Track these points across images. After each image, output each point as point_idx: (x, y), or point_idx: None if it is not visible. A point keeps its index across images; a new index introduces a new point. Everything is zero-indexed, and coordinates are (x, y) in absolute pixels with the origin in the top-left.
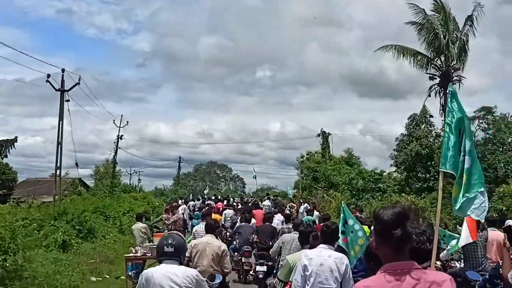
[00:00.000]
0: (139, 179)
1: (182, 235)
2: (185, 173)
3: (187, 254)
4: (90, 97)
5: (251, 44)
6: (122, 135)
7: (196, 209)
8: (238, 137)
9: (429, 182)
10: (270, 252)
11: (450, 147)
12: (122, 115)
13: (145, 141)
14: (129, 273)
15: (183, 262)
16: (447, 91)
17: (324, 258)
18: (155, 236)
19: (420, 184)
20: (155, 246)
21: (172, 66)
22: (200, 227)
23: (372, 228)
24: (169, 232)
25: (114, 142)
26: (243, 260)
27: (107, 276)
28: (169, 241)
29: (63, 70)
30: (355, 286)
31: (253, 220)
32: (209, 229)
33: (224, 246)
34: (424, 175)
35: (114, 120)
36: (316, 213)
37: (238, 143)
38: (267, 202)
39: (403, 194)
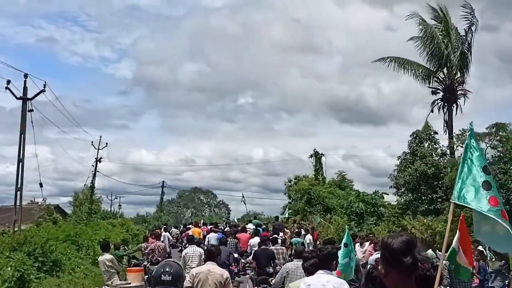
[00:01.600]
0: (120, 205)
1: (178, 263)
2: (168, 200)
3: (188, 284)
4: (69, 119)
5: (232, 71)
6: (101, 158)
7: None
8: (222, 164)
9: (436, 204)
10: (273, 282)
11: (465, 181)
12: (100, 137)
13: (128, 168)
14: None
15: None
16: (467, 128)
17: (323, 284)
18: (128, 271)
19: (426, 206)
20: (128, 284)
21: (154, 93)
22: (191, 250)
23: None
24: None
25: (93, 165)
26: None
27: None
28: (167, 269)
29: (25, 76)
30: None
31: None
32: (210, 256)
33: (226, 274)
34: (430, 196)
35: (92, 142)
36: (308, 236)
37: (222, 169)
38: (250, 225)
39: (418, 216)
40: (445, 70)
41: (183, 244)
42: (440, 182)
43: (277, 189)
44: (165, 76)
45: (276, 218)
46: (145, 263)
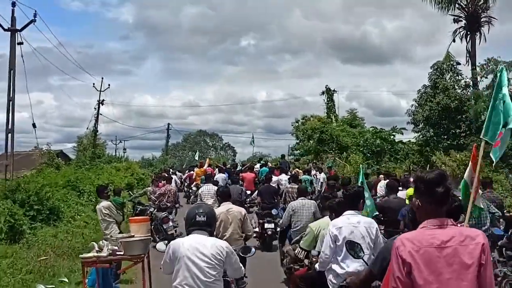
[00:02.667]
0: (124, 149)
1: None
2: (174, 144)
3: None
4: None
5: (234, 13)
6: (103, 100)
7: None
8: (225, 107)
9: (459, 139)
10: (280, 223)
11: (492, 118)
12: (102, 78)
13: (132, 113)
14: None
15: (214, 233)
16: (498, 69)
17: (354, 225)
18: (131, 222)
19: (449, 141)
20: (130, 237)
21: (155, 37)
22: (206, 188)
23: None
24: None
25: (95, 109)
26: (265, 226)
27: (66, 280)
28: (201, 210)
29: (13, 4)
30: (397, 238)
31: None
32: (225, 196)
33: (244, 211)
34: (453, 131)
35: (94, 84)
36: (322, 175)
37: (226, 112)
38: (257, 166)
39: (451, 151)
40: None
41: (188, 187)
42: (463, 116)
43: (282, 131)
44: (166, 20)
45: (282, 156)
46: (151, 209)
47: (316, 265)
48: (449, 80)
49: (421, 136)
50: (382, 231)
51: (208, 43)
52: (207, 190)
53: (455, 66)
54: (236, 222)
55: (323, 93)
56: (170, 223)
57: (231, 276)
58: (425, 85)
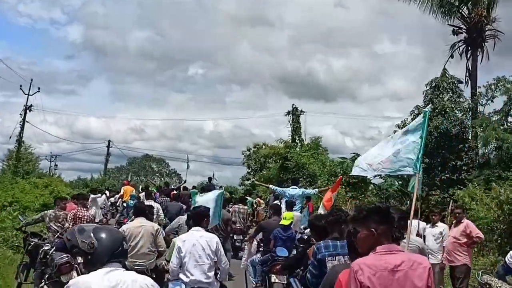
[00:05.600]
0: (56, 165)
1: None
2: (117, 167)
3: None
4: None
5: (183, 40)
6: (31, 106)
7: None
8: (172, 134)
9: (459, 174)
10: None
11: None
12: (32, 79)
13: (75, 135)
14: None
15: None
16: (424, 111)
17: (196, 239)
18: None
19: (448, 175)
20: None
21: (103, 59)
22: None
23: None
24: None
25: (21, 115)
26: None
27: None
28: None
29: None
30: (354, 263)
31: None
32: (139, 212)
33: (157, 226)
34: (454, 163)
35: (21, 86)
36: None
37: (172, 139)
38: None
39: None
40: (469, 5)
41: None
42: (466, 146)
43: (228, 162)
44: (114, 42)
45: (209, 179)
46: (46, 247)
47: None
48: (447, 102)
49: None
50: (260, 248)
51: (156, 68)
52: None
53: (456, 85)
54: (147, 236)
55: (288, 113)
56: (74, 274)
57: None
58: (418, 106)
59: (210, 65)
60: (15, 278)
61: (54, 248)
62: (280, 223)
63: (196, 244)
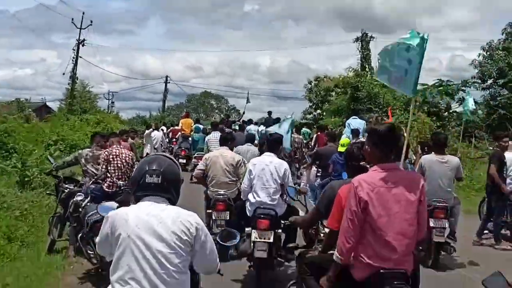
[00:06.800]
0: (113, 102)
1: (172, 158)
2: (177, 104)
3: (201, 166)
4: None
5: None
6: (84, 40)
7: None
8: (229, 71)
9: None
10: None
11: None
12: (83, 13)
13: (133, 74)
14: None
15: (176, 200)
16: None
17: (266, 164)
18: None
19: None
20: None
21: None
22: (214, 135)
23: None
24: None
25: (74, 50)
26: None
27: None
28: (154, 167)
29: None
30: (355, 179)
31: None
32: (223, 141)
33: (238, 157)
34: None
35: (72, 19)
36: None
37: (229, 76)
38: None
39: None
40: None
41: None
42: None
43: (285, 97)
44: None
45: (269, 113)
46: (80, 197)
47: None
48: None
49: (489, 95)
50: (318, 173)
51: (211, 5)
52: (215, 138)
53: None
54: (227, 165)
55: (356, 39)
56: None
57: (200, 271)
58: (505, 29)
59: (265, 1)
60: (47, 234)
61: (89, 198)
62: (338, 150)
63: (265, 169)
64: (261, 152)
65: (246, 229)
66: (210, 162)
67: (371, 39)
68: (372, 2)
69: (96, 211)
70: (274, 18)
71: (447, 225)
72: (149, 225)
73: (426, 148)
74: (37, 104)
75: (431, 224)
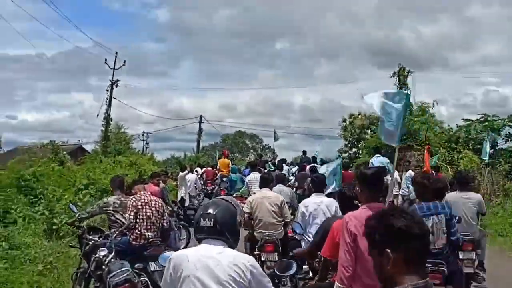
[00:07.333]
0: (147, 143)
1: (234, 202)
2: (211, 144)
3: (247, 209)
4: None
5: (267, 16)
6: (117, 80)
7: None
8: (262, 110)
9: None
10: None
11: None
12: (116, 53)
13: (168, 114)
14: None
15: (233, 243)
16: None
17: (317, 204)
18: None
19: None
20: None
21: (191, 39)
22: (254, 176)
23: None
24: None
25: (107, 91)
26: None
27: None
28: (209, 210)
29: None
30: (346, 215)
31: None
32: (264, 183)
33: (281, 197)
34: None
35: (106, 60)
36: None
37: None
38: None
39: None
40: None
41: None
42: None
43: (319, 136)
44: (202, 22)
45: (304, 152)
46: (104, 252)
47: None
48: None
49: None
50: None
51: (243, 45)
52: (255, 178)
53: None
54: (273, 207)
55: (394, 74)
56: None
57: None
58: None
59: (297, 39)
60: None
61: (113, 252)
62: None
63: (317, 208)
64: (309, 191)
65: (304, 266)
66: (256, 204)
67: (408, 73)
68: (404, 39)
69: (120, 269)
70: (306, 56)
71: (475, 257)
72: (207, 266)
73: (449, 186)
74: (73, 147)
75: (460, 257)
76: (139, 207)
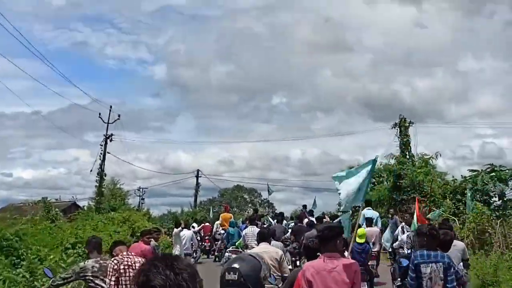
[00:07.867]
0: (143, 199)
1: (259, 256)
2: (209, 199)
3: None
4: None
5: (263, 71)
6: (111, 134)
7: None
8: (260, 164)
9: None
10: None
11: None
12: (111, 106)
13: (165, 169)
14: None
15: None
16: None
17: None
18: None
19: None
20: None
21: (187, 94)
22: (250, 230)
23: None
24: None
25: (101, 145)
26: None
27: None
28: (234, 265)
29: None
30: (305, 264)
31: None
32: (262, 237)
33: (280, 252)
34: None
35: (100, 114)
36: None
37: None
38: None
39: None
40: None
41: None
42: None
43: (317, 189)
44: (198, 78)
45: (304, 206)
46: None
47: None
48: None
49: None
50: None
51: (239, 100)
52: (251, 232)
53: None
54: (272, 261)
55: (395, 125)
56: None
57: None
58: None
59: (293, 94)
60: None
61: None
62: (356, 241)
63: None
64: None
65: None
66: None
67: (410, 124)
68: (399, 92)
69: None
70: (302, 110)
71: None
72: None
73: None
74: (67, 203)
75: None
76: (121, 270)
